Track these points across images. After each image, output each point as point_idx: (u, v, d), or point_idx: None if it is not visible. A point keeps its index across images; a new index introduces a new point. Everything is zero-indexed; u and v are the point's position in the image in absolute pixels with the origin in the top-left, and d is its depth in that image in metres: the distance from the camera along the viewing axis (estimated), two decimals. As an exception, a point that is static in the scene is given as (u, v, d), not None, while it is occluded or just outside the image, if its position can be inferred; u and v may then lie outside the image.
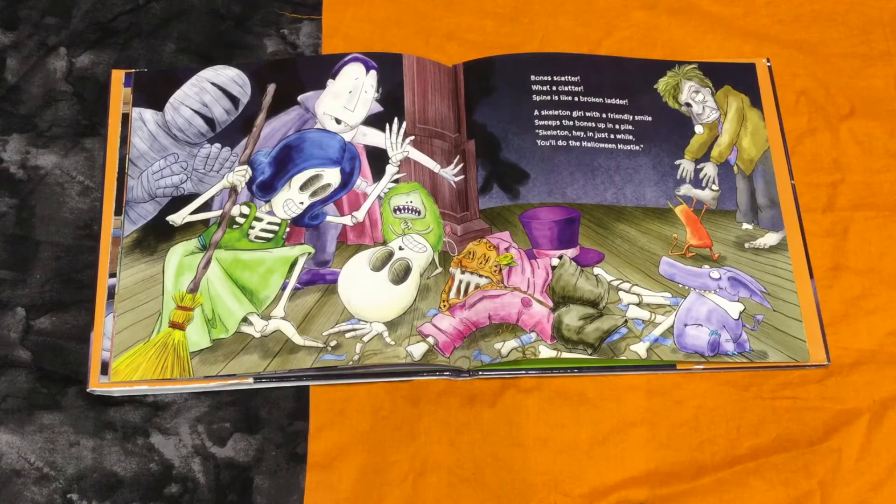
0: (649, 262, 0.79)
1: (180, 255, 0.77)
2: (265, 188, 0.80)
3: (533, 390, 0.77)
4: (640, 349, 0.75)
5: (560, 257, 0.78)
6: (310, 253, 0.78)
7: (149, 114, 0.82)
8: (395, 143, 0.81)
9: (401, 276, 0.77)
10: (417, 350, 0.74)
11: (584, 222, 0.80)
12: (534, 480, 0.74)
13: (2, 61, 0.87)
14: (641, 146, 0.83)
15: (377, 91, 0.83)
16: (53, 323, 0.78)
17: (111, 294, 0.76)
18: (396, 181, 0.80)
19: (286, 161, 0.80)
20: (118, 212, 0.79)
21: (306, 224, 0.79)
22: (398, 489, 0.74)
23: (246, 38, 0.89)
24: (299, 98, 0.83)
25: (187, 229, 0.78)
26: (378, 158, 0.81)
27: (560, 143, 0.82)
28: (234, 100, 0.83)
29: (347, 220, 0.79)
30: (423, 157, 0.81)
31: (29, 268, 0.79)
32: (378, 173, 0.81)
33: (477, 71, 0.84)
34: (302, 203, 0.80)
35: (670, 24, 0.90)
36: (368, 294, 0.76)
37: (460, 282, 0.77)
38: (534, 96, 0.84)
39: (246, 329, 0.75)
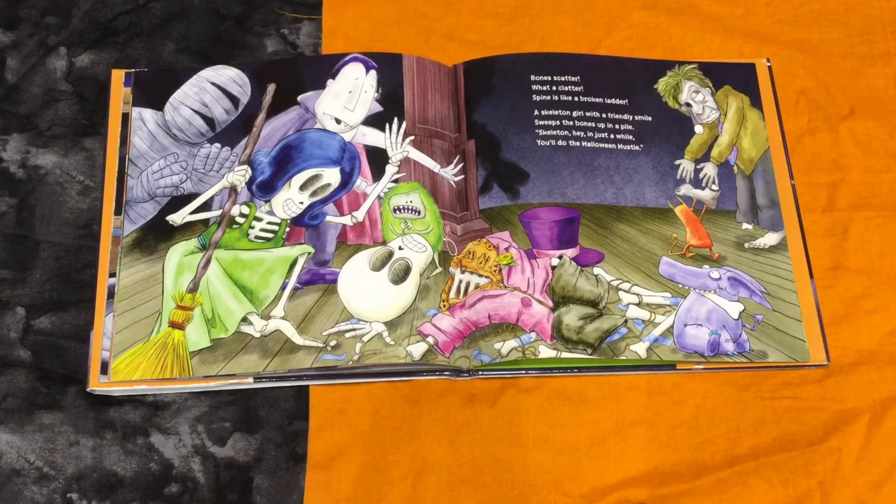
0: (649, 262, 0.79)
1: (180, 255, 0.77)
2: (265, 188, 0.80)
3: (533, 390, 0.77)
4: (639, 349, 0.75)
5: (560, 257, 0.78)
6: (309, 253, 0.78)
7: (149, 113, 0.82)
8: (395, 142, 0.81)
9: (400, 275, 0.77)
10: (417, 350, 0.74)
11: (584, 222, 0.80)
12: (534, 480, 0.74)
13: (2, 61, 0.87)
14: (641, 146, 0.83)
15: (377, 91, 0.83)
16: (53, 322, 0.78)
17: (111, 294, 0.76)
18: (396, 181, 0.80)
19: (286, 161, 0.80)
20: (118, 211, 0.79)
21: (306, 224, 0.79)
22: (398, 489, 0.74)
23: (246, 38, 0.89)
24: (299, 98, 0.83)
25: (187, 229, 0.78)
26: (378, 158, 0.81)
27: (560, 143, 0.82)
28: (234, 100, 0.83)
29: (347, 220, 0.79)
30: (423, 157, 0.81)
31: (29, 267, 0.80)
32: (378, 173, 0.81)
33: (477, 71, 0.84)
34: (302, 203, 0.80)
35: (670, 24, 0.90)
36: (368, 294, 0.76)
37: (460, 281, 0.77)
38: (534, 96, 0.84)
39: (246, 329, 0.75)
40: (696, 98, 0.85)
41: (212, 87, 0.83)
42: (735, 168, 0.83)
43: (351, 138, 0.82)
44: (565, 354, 0.74)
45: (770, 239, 0.80)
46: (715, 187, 0.82)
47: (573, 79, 0.85)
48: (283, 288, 0.77)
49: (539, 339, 0.75)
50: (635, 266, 0.79)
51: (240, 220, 0.79)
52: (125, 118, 0.82)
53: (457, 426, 0.76)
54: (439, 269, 0.78)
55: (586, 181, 0.81)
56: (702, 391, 0.77)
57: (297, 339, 0.74)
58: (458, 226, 0.80)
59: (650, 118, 0.84)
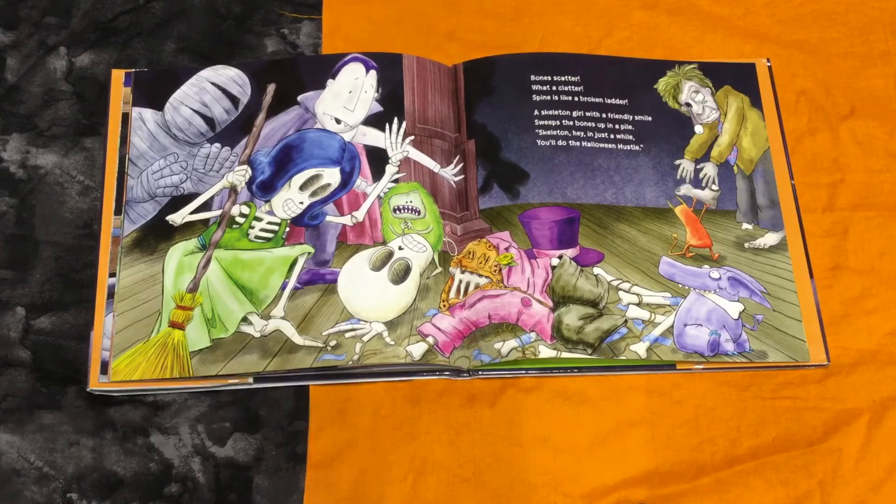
0: (649, 262, 0.79)
1: (180, 255, 0.77)
2: (265, 188, 0.80)
3: (533, 390, 0.77)
4: (639, 349, 0.75)
5: (560, 257, 0.78)
6: (309, 253, 0.78)
7: (149, 113, 0.82)
8: (395, 142, 0.81)
9: (400, 275, 0.77)
10: (417, 350, 0.74)
11: (584, 222, 0.80)
12: (534, 480, 0.74)
13: (2, 61, 0.87)
14: (641, 146, 0.83)
15: (377, 91, 0.83)
16: (53, 322, 0.78)
17: (111, 294, 0.76)
18: (396, 181, 0.80)
19: (286, 161, 0.80)
20: (118, 211, 0.79)
21: (306, 224, 0.79)
22: (398, 489, 0.74)
23: (246, 38, 0.89)
24: (299, 98, 0.83)
25: (187, 229, 0.78)
26: (378, 158, 0.81)
27: (560, 143, 0.82)
28: (234, 100, 0.83)
29: (347, 220, 0.79)
30: (423, 157, 0.81)
31: (29, 267, 0.79)
32: (378, 173, 0.81)
33: (477, 71, 0.84)
34: (302, 203, 0.80)
35: (670, 24, 0.90)
36: (368, 294, 0.76)
37: (460, 281, 0.77)
38: (534, 96, 0.84)
39: (245, 329, 0.75)
40: (696, 98, 0.85)
41: (212, 87, 0.83)
42: (735, 168, 0.83)
43: (351, 138, 0.82)
44: (565, 354, 0.74)
45: (770, 239, 0.80)
46: (715, 187, 0.82)
47: (573, 79, 0.85)
48: (283, 288, 0.77)
49: (539, 339, 0.75)
50: (635, 266, 0.79)
51: (240, 220, 0.79)
52: (125, 118, 0.82)
53: (457, 426, 0.76)
54: (439, 269, 0.78)
55: (586, 181, 0.81)
56: (702, 391, 0.77)
57: (297, 339, 0.74)
58: (458, 226, 0.80)
59: (650, 118, 0.84)
